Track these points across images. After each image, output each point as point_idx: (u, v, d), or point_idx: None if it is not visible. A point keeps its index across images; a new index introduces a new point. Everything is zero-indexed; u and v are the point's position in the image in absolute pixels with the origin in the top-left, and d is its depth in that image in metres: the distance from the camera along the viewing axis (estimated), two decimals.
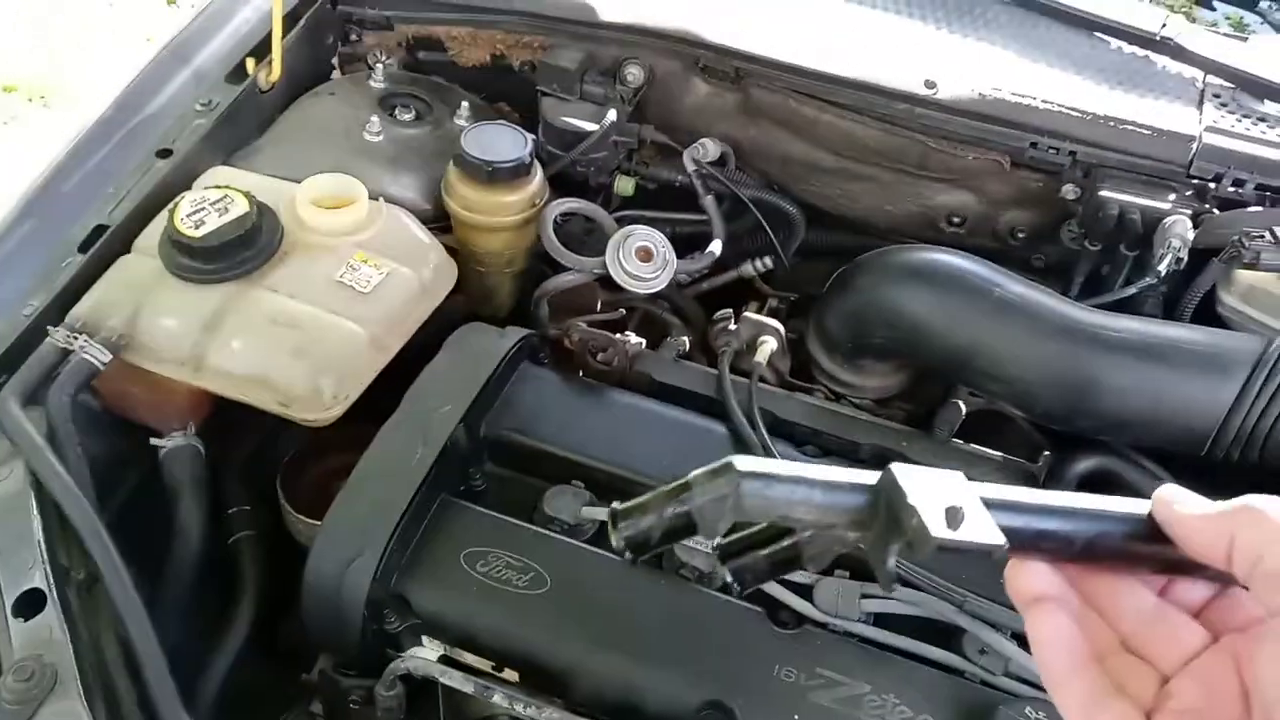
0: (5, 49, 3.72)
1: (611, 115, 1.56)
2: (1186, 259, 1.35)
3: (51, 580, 1.09)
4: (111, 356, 1.25)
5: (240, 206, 1.31)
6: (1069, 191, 1.46)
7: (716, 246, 1.55)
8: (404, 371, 1.30)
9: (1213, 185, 1.41)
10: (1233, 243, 1.31)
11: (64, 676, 1.03)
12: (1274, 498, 0.53)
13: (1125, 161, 1.42)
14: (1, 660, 1.05)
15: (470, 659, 1.13)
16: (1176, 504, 0.55)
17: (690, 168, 1.57)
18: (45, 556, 1.11)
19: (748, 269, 1.67)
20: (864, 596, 1.12)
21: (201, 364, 1.26)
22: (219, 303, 1.28)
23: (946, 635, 1.12)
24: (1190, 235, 1.35)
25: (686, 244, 1.57)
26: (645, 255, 1.44)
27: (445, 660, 1.12)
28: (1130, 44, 1.57)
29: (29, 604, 1.07)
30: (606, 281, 1.48)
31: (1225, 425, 1.17)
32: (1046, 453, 1.33)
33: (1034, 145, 1.45)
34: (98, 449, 1.28)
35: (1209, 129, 1.44)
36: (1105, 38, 1.60)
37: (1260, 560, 0.51)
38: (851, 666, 1.07)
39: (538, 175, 1.49)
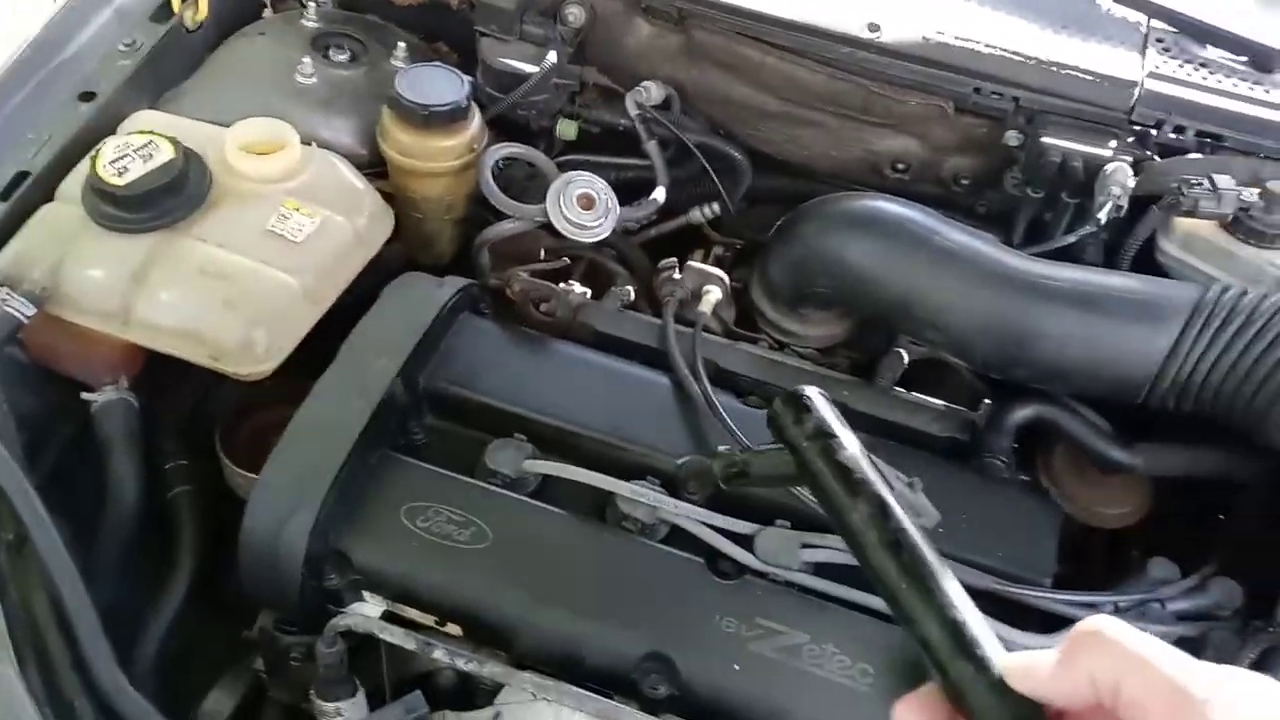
0: None
1: (552, 57, 1.52)
2: (1127, 206, 1.35)
3: None
4: (35, 310, 1.22)
5: (165, 153, 1.27)
6: (1011, 138, 1.45)
7: (660, 193, 1.53)
8: (343, 321, 1.28)
9: (1154, 132, 1.41)
10: (1172, 190, 1.32)
11: None
12: (1109, 618, 0.53)
13: (1067, 107, 1.41)
14: None
15: (413, 614, 1.12)
16: (1029, 669, 0.55)
17: (633, 111, 1.54)
18: None
19: (695, 215, 1.65)
20: (804, 546, 1.13)
21: (129, 317, 1.23)
22: (146, 253, 1.24)
23: None
24: (1131, 182, 1.35)
25: (632, 190, 1.54)
26: (587, 202, 1.41)
27: (387, 616, 1.12)
28: None
29: None
30: (550, 229, 1.45)
31: (1161, 374, 1.18)
32: (987, 401, 1.34)
33: (977, 91, 1.44)
34: (29, 403, 1.25)
35: (1151, 75, 1.43)
36: None
37: (1118, 689, 0.51)
38: (791, 616, 1.08)
39: (476, 119, 1.45)
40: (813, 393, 0.78)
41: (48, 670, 1.04)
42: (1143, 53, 1.48)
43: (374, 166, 1.45)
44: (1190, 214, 1.31)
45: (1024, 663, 0.55)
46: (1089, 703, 0.53)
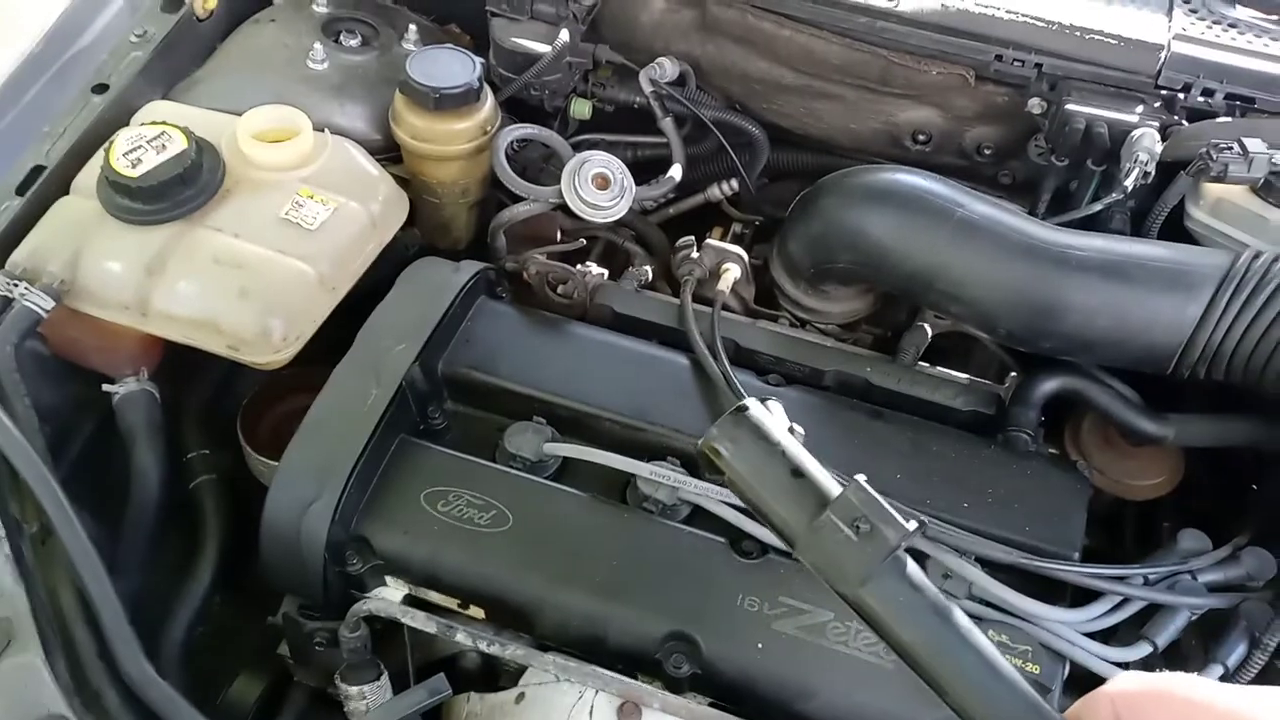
0: None
1: (564, 35, 1.51)
2: (1154, 173, 1.32)
3: (3, 534, 1.08)
4: (54, 303, 1.22)
5: (178, 143, 1.26)
6: (1035, 105, 1.42)
7: (676, 171, 1.51)
8: (360, 308, 1.27)
9: (1181, 96, 1.38)
10: (1200, 155, 1.28)
11: (20, 630, 1.02)
12: (1134, 674, 0.51)
13: (1092, 73, 1.38)
14: None
15: (436, 597, 1.12)
16: None
17: (648, 88, 1.52)
18: None
19: (713, 193, 1.64)
20: None
21: (147, 308, 1.23)
22: (161, 244, 1.24)
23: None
24: (1158, 148, 1.32)
25: (649, 168, 1.53)
26: (602, 182, 1.40)
27: (409, 600, 1.12)
28: None
29: None
30: (567, 210, 1.44)
31: (1190, 343, 1.15)
32: (1013, 374, 1.32)
33: (999, 58, 1.41)
34: (51, 397, 1.26)
35: (1178, 37, 1.40)
36: None
37: None
38: (815, 594, 1.07)
39: (488, 101, 1.44)
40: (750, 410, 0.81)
41: (74, 660, 1.05)
42: (1169, 14, 1.44)
43: (388, 152, 1.44)
44: (1219, 179, 1.28)
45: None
46: None
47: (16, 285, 1.21)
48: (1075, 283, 1.17)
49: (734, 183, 1.61)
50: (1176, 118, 1.37)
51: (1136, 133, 1.34)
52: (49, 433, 1.19)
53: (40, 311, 1.21)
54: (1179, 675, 0.52)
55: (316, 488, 1.10)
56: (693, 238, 1.44)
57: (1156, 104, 1.38)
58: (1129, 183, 1.30)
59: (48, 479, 1.10)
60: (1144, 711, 0.52)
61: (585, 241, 1.52)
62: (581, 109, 1.58)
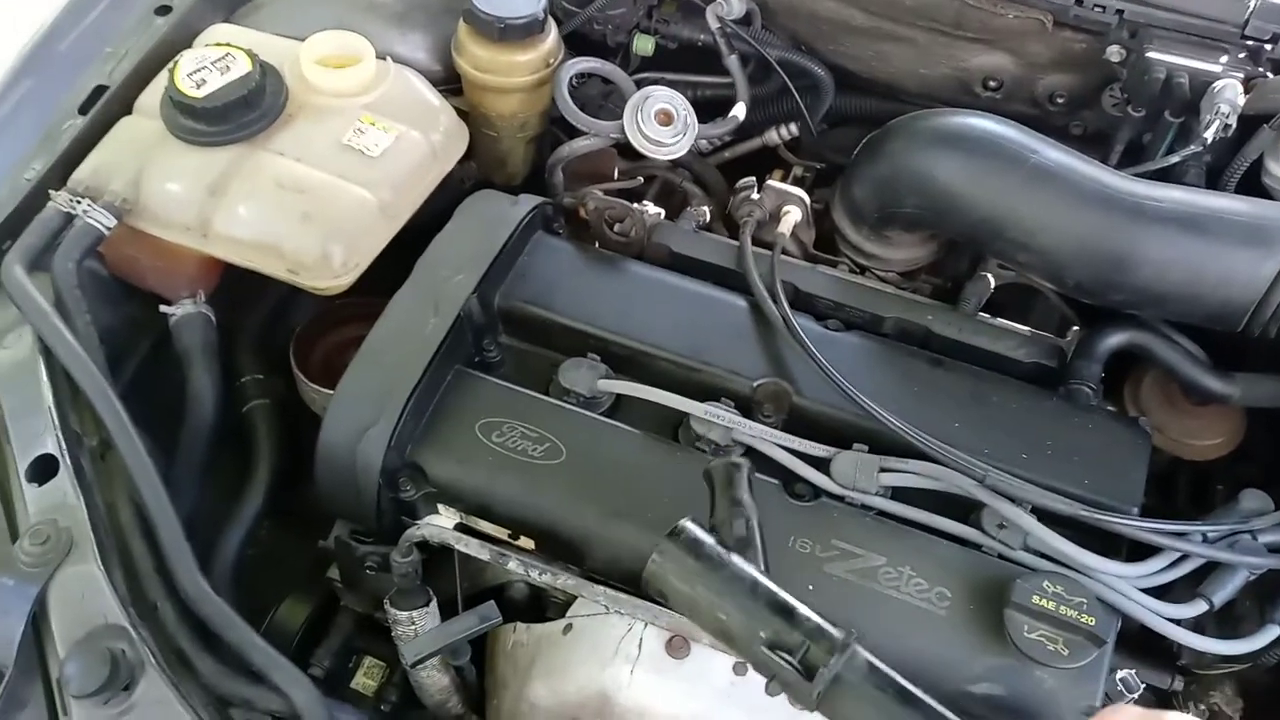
0: None
1: None
2: (1235, 125, 1.27)
3: (64, 446, 1.09)
4: (116, 221, 1.23)
5: (242, 65, 1.26)
6: (1114, 53, 1.38)
7: (740, 110, 1.48)
8: (418, 239, 1.27)
9: (1268, 47, 1.33)
10: None
11: (79, 540, 1.04)
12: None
13: (1175, 21, 1.34)
14: (18, 524, 1.06)
15: (487, 527, 1.12)
16: None
17: (714, 25, 1.49)
18: (57, 422, 1.11)
19: (772, 136, 1.61)
20: (882, 470, 1.10)
21: (208, 229, 1.23)
22: (224, 166, 1.24)
23: (965, 509, 1.10)
24: (1241, 100, 1.28)
25: (709, 108, 1.50)
26: (665, 119, 1.38)
27: (461, 528, 1.12)
28: None
29: (42, 469, 1.08)
30: (624, 148, 1.42)
31: (1266, 300, 1.12)
32: (1075, 327, 1.29)
33: (1079, 2, 1.36)
34: (109, 316, 1.27)
35: None
36: None
37: None
38: (867, 539, 1.06)
39: (552, 33, 1.42)
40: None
41: (131, 573, 1.06)
42: None
43: (449, 82, 1.43)
44: None
45: None
46: None
47: (80, 202, 1.22)
48: (1150, 234, 1.14)
49: (793, 127, 1.58)
50: (1262, 69, 1.32)
51: (1219, 84, 1.29)
52: (105, 353, 1.20)
53: (102, 229, 1.21)
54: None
55: (373, 413, 1.10)
56: (753, 179, 1.41)
57: (1241, 55, 1.33)
58: (1209, 135, 1.26)
59: (108, 394, 1.11)
60: None
61: (643, 180, 1.50)
62: (645, 45, 1.56)
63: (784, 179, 1.53)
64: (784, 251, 1.32)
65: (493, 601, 1.06)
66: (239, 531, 1.26)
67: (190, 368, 1.29)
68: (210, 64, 1.26)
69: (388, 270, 1.24)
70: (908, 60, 1.49)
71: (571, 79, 1.43)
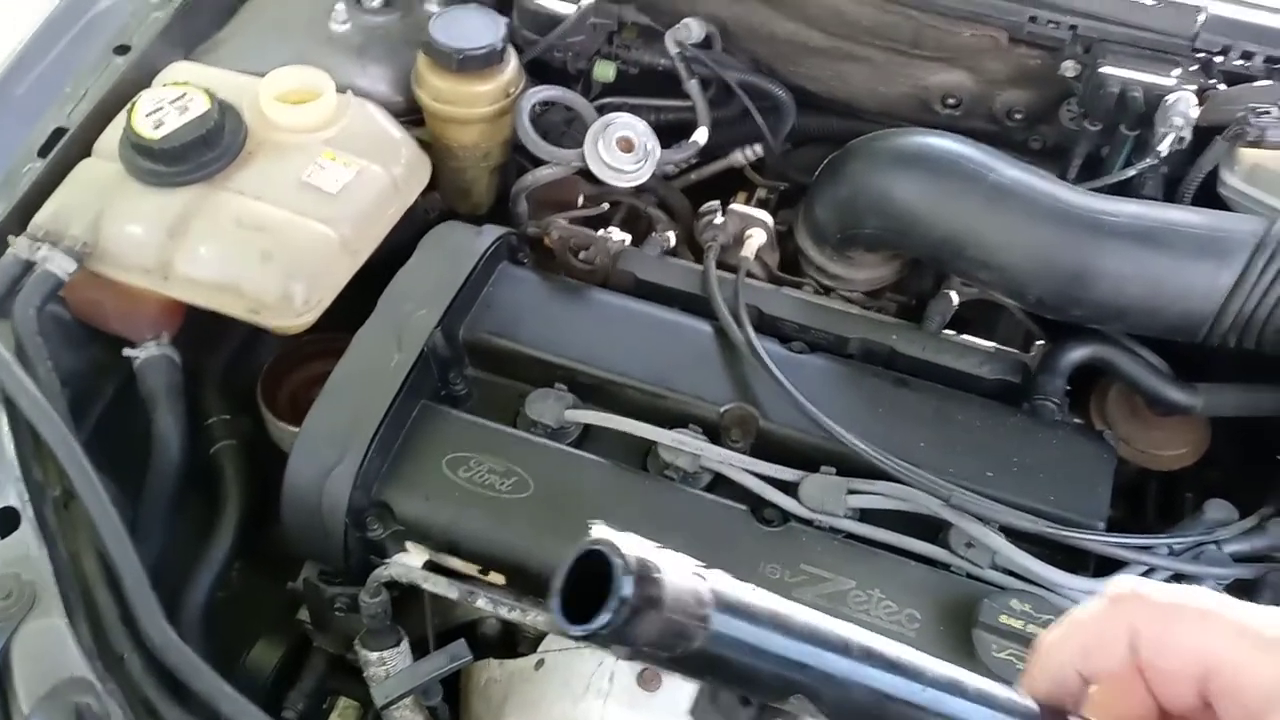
0: None
1: None
2: (1190, 138, 1.29)
3: (27, 497, 1.08)
4: (76, 266, 1.22)
5: (200, 104, 1.25)
6: (1069, 68, 1.39)
7: (701, 135, 1.49)
8: (381, 272, 1.26)
9: (1219, 59, 1.34)
10: (1237, 119, 1.25)
11: (43, 593, 1.02)
12: (1134, 579, 0.49)
13: (1128, 35, 1.35)
14: None
15: (456, 564, 1.12)
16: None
17: (673, 50, 1.49)
18: (19, 474, 1.09)
19: (737, 157, 1.61)
20: (850, 492, 1.11)
21: (169, 271, 1.23)
22: (183, 207, 1.23)
23: (935, 529, 1.11)
24: (1194, 113, 1.29)
25: (672, 132, 1.50)
26: (626, 145, 1.38)
27: (430, 566, 1.12)
28: None
29: (3, 522, 1.07)
30: (589, 174, 1.43)
31: (1224, 310, 1.14)
32: (1040, 342, 1.30)
33: (1033, 19, 1.37)
34: (73, 360, 1.26)
35: None
36: None
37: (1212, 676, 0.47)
38: (836, 562, 1.06)
39: (511, 62, 1.42)
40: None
41: (97, 624, 1.05)
42: None
43: (410, 114, 1.43)
44: (1256, 144, 1.25)
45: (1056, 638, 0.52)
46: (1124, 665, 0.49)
47: (39, 248, 1.21)
48: (1108, 249, 1.15)
49: (758, 148, 1.59)
50: (1213, 81, 1.34)
51: (1172, 97, 1.30)
52: (69, 397, 1.19)
53: (62, 274, 1.20)
54: (1194, 591, 0.49)
55: (339, 452, 1.10)
56: (717, 203, 1.42)
57: (1193, 67, 1.34)
58: (1164, 147, 1.27)
59: (70, 442, 1.10)
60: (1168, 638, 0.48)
61: (607, 207, 1.51)
62: (605, 71, 1.56)
63: (748, 201, 1.53)
64: (749, 275, 1.32)
65: (463, 640, 1.06)
66: (209, 575, 1.25)
67: (155, 410, 1.28)
68: (168, 104, 1.26)
69: (354, 304, 1.24)
70: (867, 79, 1.50)
71: (533, 107, 1.43)
